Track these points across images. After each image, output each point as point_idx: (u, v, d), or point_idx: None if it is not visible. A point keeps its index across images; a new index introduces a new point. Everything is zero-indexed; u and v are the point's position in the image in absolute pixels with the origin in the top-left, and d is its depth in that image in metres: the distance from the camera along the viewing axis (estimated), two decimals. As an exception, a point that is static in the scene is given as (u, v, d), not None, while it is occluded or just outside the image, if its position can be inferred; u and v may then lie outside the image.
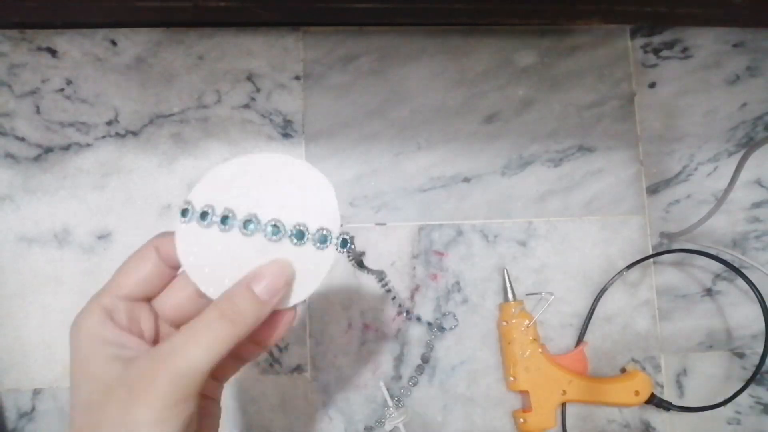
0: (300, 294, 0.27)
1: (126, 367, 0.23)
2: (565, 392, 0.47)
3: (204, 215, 0.27)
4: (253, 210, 0.27)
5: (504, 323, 0.48)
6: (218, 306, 0.24)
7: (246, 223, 0.27)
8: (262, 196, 0.27)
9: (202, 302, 0.26)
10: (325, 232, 0.27)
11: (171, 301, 0.27)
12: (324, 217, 0.27)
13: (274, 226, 0.27)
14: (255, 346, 0.28)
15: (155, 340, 0.27)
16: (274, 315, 0.26)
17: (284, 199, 0.27)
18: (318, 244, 0.27)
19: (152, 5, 0.46)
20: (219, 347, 0.23)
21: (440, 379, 0.49)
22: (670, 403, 0.48)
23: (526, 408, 0.48)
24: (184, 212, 0.27)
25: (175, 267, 0.27)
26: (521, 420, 0.47)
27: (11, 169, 0.49)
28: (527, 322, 0.47)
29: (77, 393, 0.24)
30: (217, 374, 0.28)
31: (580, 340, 0.50)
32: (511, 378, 0.47)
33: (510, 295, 0.49)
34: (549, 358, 0.48)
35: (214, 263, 0.26)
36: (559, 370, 0.47)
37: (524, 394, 0.48)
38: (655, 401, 0.48)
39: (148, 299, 0.27)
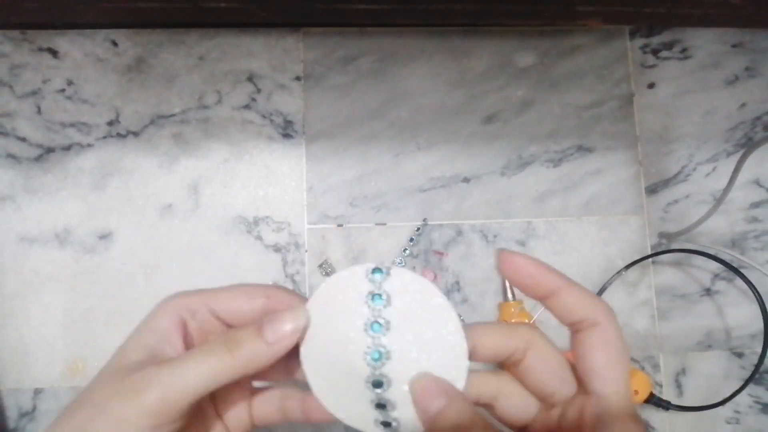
0: (332, 407, 0.25)
1: (141, 361, 0.24)
2: None
3: (378, 297, 0.24)
4: (392, 349, 0.24)
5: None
6: (226, 336, 0.24)
7: (377, 352, 0.24)
8: (409, 348, 0.24)
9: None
10: (396, 425, 0.25)
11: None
12: (413, 421, 0.25)
13: (380, 381, 0.24)
14: (281, 373, 0.27)
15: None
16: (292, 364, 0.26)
17: (416, 368, 0.24)
18: (378, 424, 0.25)
19: (153, 6, 0.47)
20: (215, 375, 0.23)
21: (440, 378, 0.49)
22: (669, 403, 0.48)
23: None
24: (376, 271, 0.25)
25: (270, 312, 0.26)
26: None
27: (12, 170, 0.49)
28: (526, 321, 0.48)
29: (122, 349, 0.25)
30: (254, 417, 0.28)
31: None
32: None
33: (510, 295, 0.49)
34: None
35: (326, 327, 0.25)
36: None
37: None
38: (653, 400, 0.48)
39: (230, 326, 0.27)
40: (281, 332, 0.24)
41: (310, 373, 0.25)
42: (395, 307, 0.25)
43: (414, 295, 0.25)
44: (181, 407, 0.23)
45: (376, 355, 0.24)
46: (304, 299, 0.26)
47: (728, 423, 0.51)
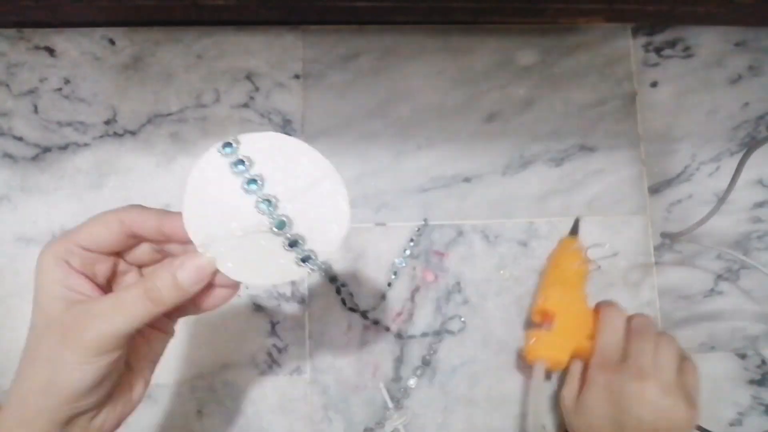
0: (253, 277, 0.28)
1: (65, 309, 0.27)
2: (590, 338, 0.43)
3: (240, 163, 0.27)
4: (276, 194, 0.27)
5: (557, 254, 0.47)
6: (144, 284, 0.27)
7: (265, 201, 0.27)
8: (290, 188, 0.27)
9: (158, 256, 0.30)
10: (312, 255, 0.28)
11: (134, 255, 0.30)
12: (323, 245, 0.28)
13: (282, 221, 0.27)
14: (193, 307, 0.30)
15: (109, 281, 0.30)
16: (211, 288, 0.29)
17: (306, 203, 0.27)
18: (299, 261, 0.28)
19: (151, 4, 0.46)
20: (138, 319, 0.27)
21: (441, 380, 0.49)
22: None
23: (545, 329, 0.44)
24: (226, 145, 0.27)
25: (137, 238, 0.29)
26: (532, 339, 0.43)
27: (9, 169, 0.48)
28: (583, 255, 0.46)
29: (33, 314, 0.28)
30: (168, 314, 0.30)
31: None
32: (542, 299, 0.44)
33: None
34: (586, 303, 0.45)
35: (212, 213, 0.27)
36: (592, 318, 0.44)
37: (547, 321, 0.44)
38: None
39: (109, 254, 0.29)
40: (196, 280, 0.27)
41: (219, 262, 0.28)
42: (261, 165, 0.27)
43: (273, 150, 0.27)
44: (115, 345, 0.26)
45: (265, 204, 0.27)
46: (162, 211, 0.28)
47: (731, 425, 0.50)
